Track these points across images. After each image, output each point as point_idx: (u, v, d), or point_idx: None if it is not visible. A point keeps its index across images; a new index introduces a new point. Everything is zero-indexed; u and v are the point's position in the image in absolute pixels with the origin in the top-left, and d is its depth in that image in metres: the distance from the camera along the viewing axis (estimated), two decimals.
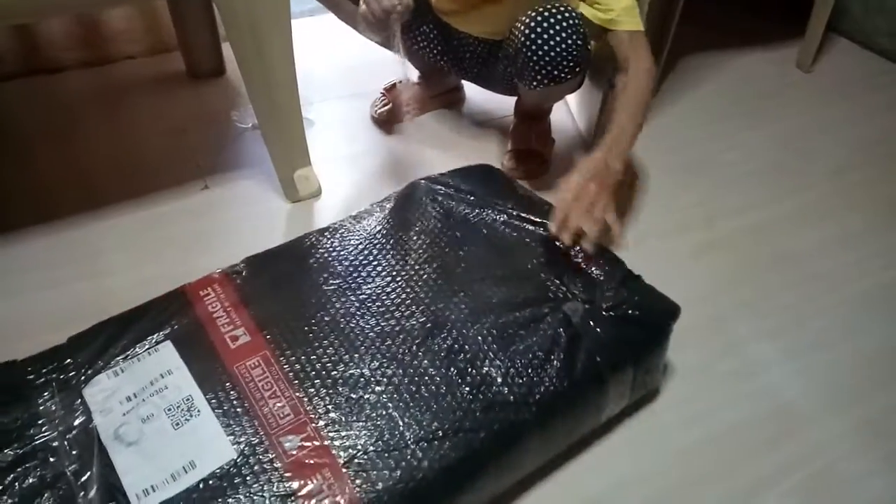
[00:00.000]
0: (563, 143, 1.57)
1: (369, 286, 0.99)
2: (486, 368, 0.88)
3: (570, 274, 1.01)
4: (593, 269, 1.02)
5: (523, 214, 1.11)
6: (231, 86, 1.73)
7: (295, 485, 0.75)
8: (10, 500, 0.73)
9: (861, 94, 1.86)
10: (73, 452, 0.78)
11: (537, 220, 1.10)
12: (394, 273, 1.01)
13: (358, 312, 0.95)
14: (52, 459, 0.77)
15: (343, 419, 0.81)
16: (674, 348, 1.01)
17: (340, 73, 1.82)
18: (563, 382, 0.88)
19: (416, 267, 1.02)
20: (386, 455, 0.78)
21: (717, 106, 1.78)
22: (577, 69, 1.22)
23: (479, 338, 0.91)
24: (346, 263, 1.03)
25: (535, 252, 1.05)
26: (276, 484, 0.75)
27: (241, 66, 1.22)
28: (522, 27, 1.21)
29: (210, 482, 0.75)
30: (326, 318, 0.94)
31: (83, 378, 0.86)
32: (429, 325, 0.93)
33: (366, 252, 1.05)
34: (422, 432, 0.80)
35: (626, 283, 1.01)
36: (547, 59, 1.20)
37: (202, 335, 0.91)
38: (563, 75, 1.22)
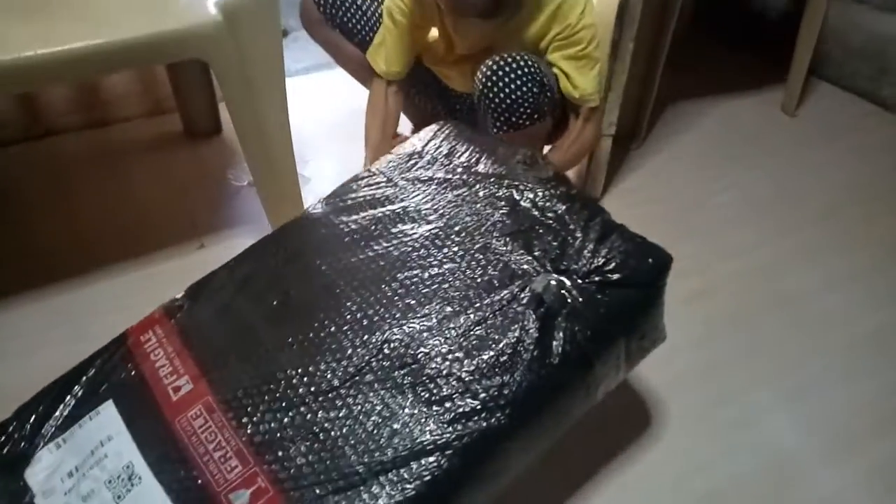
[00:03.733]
0: None
1: (320, 299, 0.88)
2: (448, 377, 0.77)
3: (542, 240, 0.89)
4: (570, 226, 0.89)
5: (493, 173, 1.00)
6: (227, 144, 1.76)
7: None
8: None
9: (846, 136, 1.89)
10: None
11: (509, 178, 0.98)
12: (342, 282, 0.90)
13: (305, 332, 0.84)
14: None
15: (297, 463, 0.73)
16: (672, 393, 1.00)
17: (335, 129, 1.85)
18: (539, 373, 0.77)
19: (366, 270, 0.91)
20: (349, 494, 0.70)
21: (706, 151, 1.80)
22: (536, 115, 1.25)
23: (439, 342, 0.80)
24: (292, 278, 0.92)
25: (500, 224, 0.92)
26: None
27: (236, 127, 1.24)
28: (480, 76, 1.24)
29: None
30: (271, 346, 0.84)
31: (25, 456, 0.80)
32: (384, 344, 0.81)
33: (311, 260, 0.94)
34: (390, 462, 0.71)
35: (606, 238, 0.88)
36: (503, 106, 1.23)
37: (143, 389, 0.84)
38: (521, 121, 1.24)
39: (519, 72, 1.20)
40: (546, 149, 1.45)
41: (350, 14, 1.44)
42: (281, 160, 1.32)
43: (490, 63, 1.22)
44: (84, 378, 0.87)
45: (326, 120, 1.89)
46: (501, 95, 1.21)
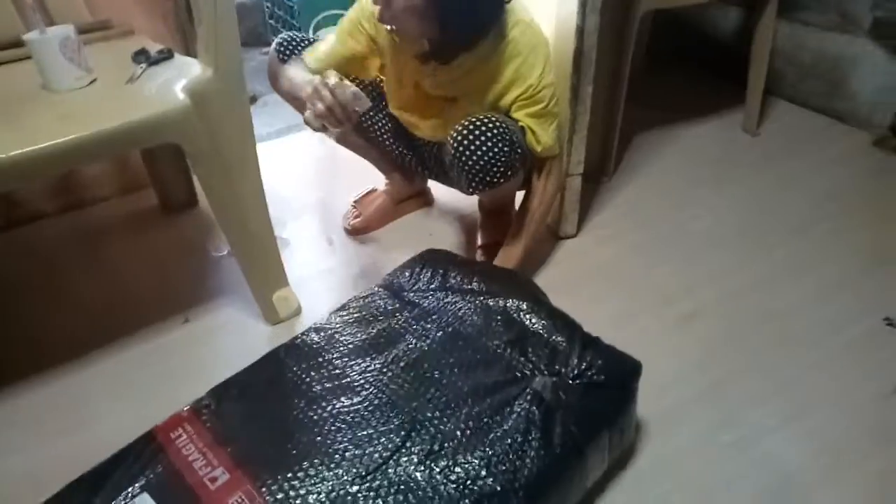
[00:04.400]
0: None
1: (342, 399, 0.99)
2: (468, 462, 0.88)
3: (534, 347, 1.04)
4: (555, 338, 1.05)
5: (484, 290, 1.15)
6: (204, 216, 1.77)
7: None
8: None
9: (808, 151, 1.95)
10: None
11: (498, 293, 1.13)
12: (364, 380, 1.01)
13: (334, 427, 0.94)
14: None
15: None
16: (671, 418, 1.01)
17: (310, 187, 1.88)
18: (545, 460, 0.89)
19: (385, 370, 1.03)
20: None
21: (676, 177, 1.85)
22: (509, 173, 1.27)
23: (458, 432, 0.92)
24: (316, 379, 1.03)
25: (498, 332, 1.07)
26: None
27: (211, 202, 1.25)
28: (451, 140, 1.26)
29: None
30: (303, 440, 0.93)
31: None
32: (406, 427, 0.93)
33: (333, 363, 1.05)
34: None
35: (587, 346, 1.04)
36: (477, 167, 1.25)
37: (179, 481, 0.89)
38: (495, 180, 1.27)
39: (489, 133, 1.23)
40: (519, 195, 1.48)
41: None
42: (258, 228, 1.33)
43: (460, 127, 1.25)
44: (116, 473, 0.91)
45: (301, 180, 1.92)
46: (475, 157, 1.24)
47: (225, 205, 1.26)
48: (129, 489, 0.88)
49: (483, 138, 1.23)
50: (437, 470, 0.87)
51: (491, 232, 1.56)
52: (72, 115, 1.09)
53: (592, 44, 1.33)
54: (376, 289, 1.21)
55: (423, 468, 0.88)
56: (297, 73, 1.35)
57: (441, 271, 1.22)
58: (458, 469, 0.87)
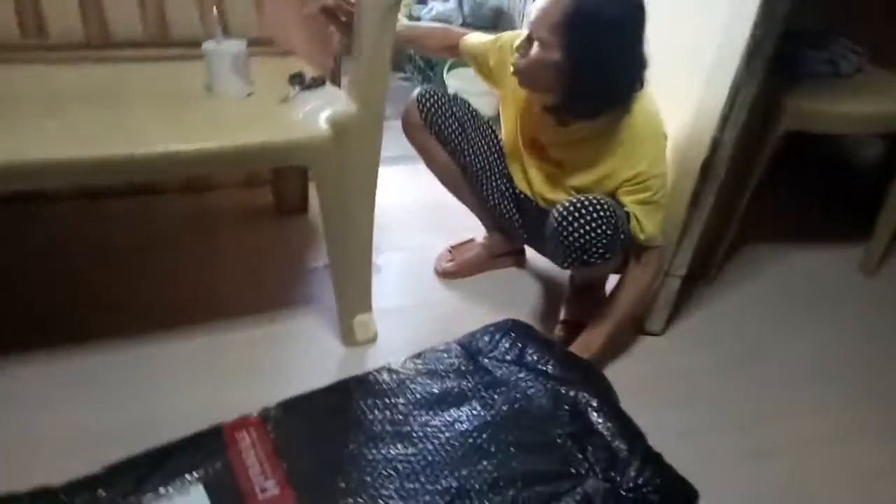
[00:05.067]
0: None
1: (398, 445, 1.01)
2: None
3: (595, 447, 1.03)
4: (617, 443, 1.04)
5: (558, 375, 1.15)
6: (311, 225, 1.86)
7: None
8: None
9: None
10: None
11: (571, 383, 1.13)
12: (423, 433, 1.03)
13: (384, 472, 0.97)
14: None
15: None
16: None
17: (412, 222, 1.94)
18: None
19: (444, 428, 1.04)
20: None
21: (776, 301, 1.78)
22: (608, 255, 1.27)
23: None
24: (378, 419, 1.06)
25: (562, 421, 1.07)
26: None
27: (323, 216, 1.32)
28: (556, 212, 1.28)
29: None
30: (354, 476, 0.96)
31: None
32: (452, 492, 0.94)
33: (398, 408, 1.08)
34: None
35: (647, 461, 1.02)
36: (577, 244, 1.26)
37: (233, 482, 0.94)
38: (592, 260, 1.27)
39: (594, 214, 1.24)
40: (613, 279, 1.48)
41: (449, 125, 1.54)
42: (359, 252, 1.39)
43: (567, 203, 1.27)
44: (179, 457, 0.97)
45: (406, 212, 1.99)
46: (576, 235, 1.25)
47: (335, 222, 1.32)
48: (188, 476, 0.94)
49: (588, 217, 1.24)
50: None
51: (576, 310, 1.55)
52: (225, 124, 1.18)
53: (725, 157, 1.32)
54: (454, 345, 1.23)
55: None
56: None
57: (520, 345, 1.22)
58: None
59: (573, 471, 1.00)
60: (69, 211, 1.78)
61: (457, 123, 1.54)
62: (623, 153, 1.30)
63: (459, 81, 2.40)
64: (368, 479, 0.96)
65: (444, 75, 2.47)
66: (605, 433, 1.06)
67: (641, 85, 1.26)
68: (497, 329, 1.27)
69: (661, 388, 1.44)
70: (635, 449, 1.04)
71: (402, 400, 1.10)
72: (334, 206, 1.28)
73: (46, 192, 1.76)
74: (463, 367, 1.17)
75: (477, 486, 0.95)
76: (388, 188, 2.01)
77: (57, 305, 1.47)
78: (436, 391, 1.12)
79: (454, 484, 0.95)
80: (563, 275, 1.68)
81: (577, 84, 1.23)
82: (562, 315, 1.57)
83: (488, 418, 1.07)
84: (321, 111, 1.21)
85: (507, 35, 1.45)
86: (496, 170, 1.56)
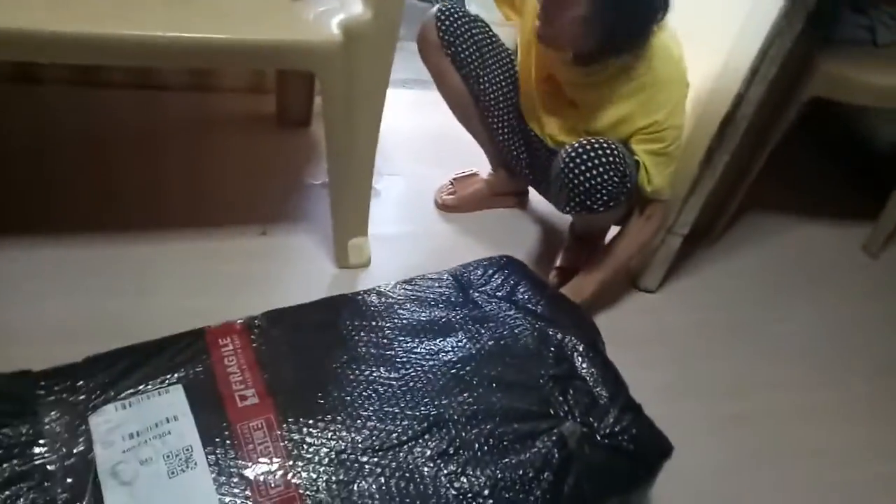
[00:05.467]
0: None
1: (380, 368, 1.00)
2: (475, 476, 0.89)
3: (576, 391, 1.03)
4: (598, 389, 1.03)
5: (547, 316, 1.13)
6: (312, 140, 1.81)
7: None
8: None
9: None
10: (68, 481, 0.79)
11: (559, 325, 1.11)
12: (406, 359, 1.02)
13: (364, 393, 0.96)
14: (46, 484, 0.79)
15: (330, 502, 0.83)
16: None
17: (416, 150, 1.89)
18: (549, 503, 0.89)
19: (429, 357, 1.03)
20: None
21: (774, 272, 1.76)
22: (612, 203, 1.24)
23: (476, 444, 0.92)
24: (363, 340, 1.05)
25: (546, 363, 1.06)
26: None
27: (327, 134, 1.27)
28: (563, 154, 1.24)
29: None
30: (334, 394, 0.95)
31: (91, 405, 0.88)
32: (430, 419, 0.94)
33: (383, 332, 1.07)
34: None
35: (627, 409, 1.02)
36: (581, 188, 1.23)
37: (213, 387, 0.93)
38: (595, 206, 1.24)
39: (603, 158, 1.20)
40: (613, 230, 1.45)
41: (467, 48, 1.47)
42: (360, 172, 1.35)
43: (576, 145, 1.23)
44: (160, 356, 0.95)
45: (411, 138, 1.93)
46: (581, 178, 1.21)
47: (338, 138, 1.27)
48: (168, 376, 0.93)
49: (596, 161, 1.21)
50: (445, 472, 0.88)
51: (573, 257, 1.53)
52: (232, 14, 1.12)
53: (746, 114, 1.27)
54: (446, 275, 1.21)
55: (431, 465, 0.89)
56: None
57: (512, 282, 1.21)
58: (463, 479, 0.88)
59: (552, 412, 0.99)
60: (70, 96, 1.71)
61: (475, 47, 1.48)
62: (641, 99, 1.25)
63: (480, 8, 2.30)
64: (348, 398, 0.95)
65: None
66: (588, 378, 1.05)
67: (664, 14, 1.19)
68: (491, 264, 1.25)
69: (647, 346, 1.43)
70: (616, 397, 1.03)
71: (388, 324, 1.08)
72: (338, 119, 1.23)
73: (46, 76, 1.70)
74: (452, 298, 1.16)
75: (455, 416, 0.94)
76: (394, 111, 1.94)
77: (47, 192, 1.43)
78: (423, 319, 1.10)
79: (433, 412, 0.95)
80: (564, 221, 1.65)
81: (604, 29, 1.16)
82: (558, 261, 1.55)
83: (473, 351, 1.05)
84: (334, 15, 1.14)
85: None
86: (509, 103, 1.51)
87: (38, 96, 1.68)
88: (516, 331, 1.11)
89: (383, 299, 1.13)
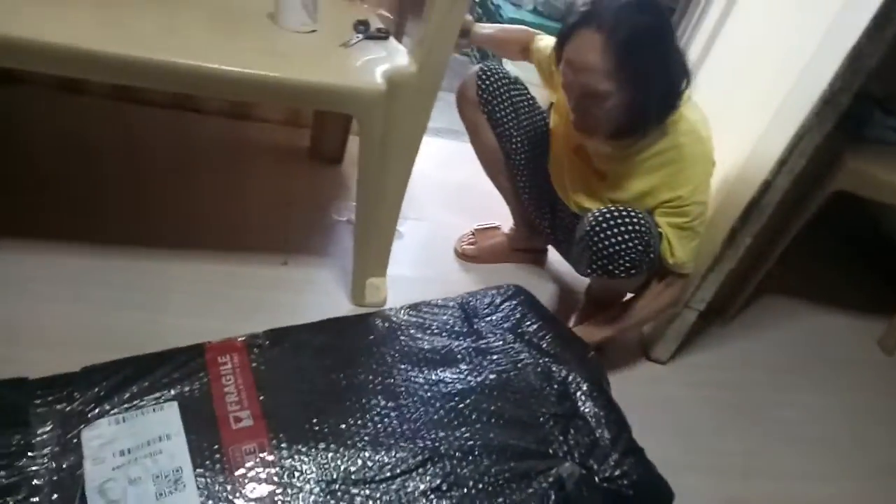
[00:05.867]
0: None
1: (378, 397, 0.99)
2: None
3: (577, 431, 1.01)
4: (600, 431, 1.02)
5: (552, 353, 1.12)
6: (342, 177, 1.85)
7: None
8: None
9: None
10: (54, 497, 0.79)
11: (564, 362, 1.10)
12: (405, 388, 1.02)
13: (360, 421, 0.95)
14: (33, 499, 0.78)
15: None
16: None
17: (442, 197, 1.92)
18: None
19: (428, 387, 1.02)
20: None
21: (787, 357, 1.75)
22: (633, 271, 1.25)
23: (470, 481, 0.91)
24: (363, 365, 1.04)
25: (549, 400, 1.05)
26: None
27: (360, 170, 1.30)
28: (590, 217, 1.26)
29: None
30: (330, 421, 0.94)
31: (86, 417, 0.88)
32: (427, 453, 0.93)
33: (384, 358, 1.06)
34: None
35: (629, 453, 1.00)
36: (604, 253, 1.23)
37: (208, 406, 0.93)
38: (616, 272, 1.25)
39: (629, 226, 1.22)
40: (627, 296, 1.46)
41: (503, 108, 1.51)
42: (387, 215, 1.37)
43: (604, 210, 1.25)
44: (158, 370, 0.95)
45: (438, 185, 1.96)
46: (606, 243, 1.23)
47: (370, 179, 1.30)
48: (164, 392, 0.93)
49: (621, 228, 1.22)
50: None
51: (587, 320, 1.53)
52: (280, 54, 1.16)
53: (772, 202, 1.29)
54: (452, 303, 1.21)
55: (424, 501, 0.88)
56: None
57: (519, 313, 1.20)
58: None
59: (551, 451, 0.97)
60: (110, 110, 1.78)
61: (511, 108, 1.52)
62: (667, 174, 1.27)
63: (518, 68, 2.36)
64: (343, 426, 0.94)
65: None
66: (591, 419, 1.03)
67: (688, 83, 1.21)
68: (499, 293, 1.24)
69: (650, 414, 1.41)
70: (618, 440, 1.01)
71: (389, 350, 1.07)
72: (373, 162, 1.26)
73: (90, 88, 1.75)
74: (457, 328, 1.15)
75: (451, 451, 0.93)
76: (425, 157, 1.98)
77: (75, 198, 1.47)
78: (425, 347, 1.09)
79: (429, 445, 0.94)
80: (580, 283, 1.66)
81: (635, 111, 1.18)
82: (571, 322, 1.55)
83: (474, 384, 1.04)
84: (380, 64, 1.19)
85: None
86: (539, 165, 1.54)
87: (81, 107, 1.74)
88: (519, 365, 1.09)
89: (387, 323, 1.13)
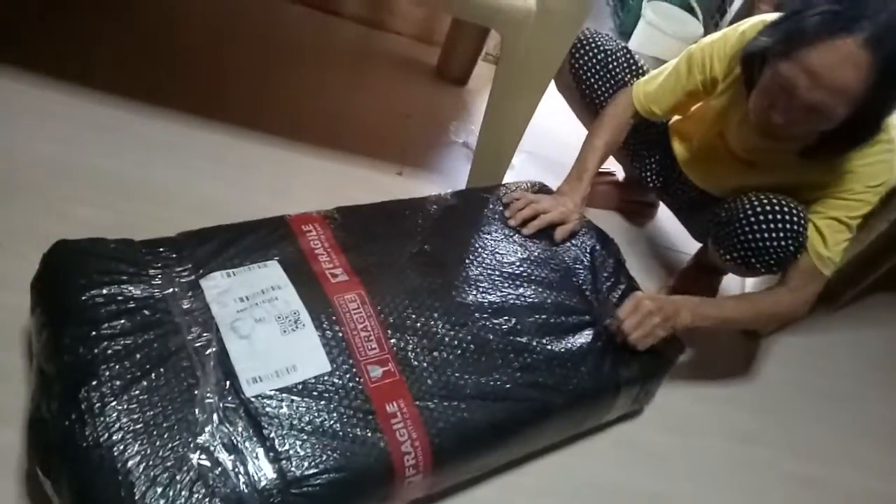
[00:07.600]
0: None
1: (446, 260, 1.10)
2: (535, 354, 1.03)
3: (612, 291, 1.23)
4: (616, 291, 1.22)
5: (605, 277, 1.24)
6: (464, 100, 1.85)
7: (375, 405, 0.87)
8: (135, 362, 0.81)
9: None
10: (194, 329, 0.86)
11: (616, 285, 1.24)
12: (476, 253, 1.14)
13: (440, 279, 1.06)
14: (174, 332, 0.85)
15: (418, 365, 0.94)
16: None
17: (562, 137, 1.88)
18: (590, 382, 1.05)
19: (498, 254, 1.16)
20: (447, 403, 0.92)
21: (890, 357, 1.67)
22: (775, 268, 1.18)
23: (534, 328, 1.06)
24: (427, 235, 1.13)
25: (585, 267, 1.24)
26: (360, 401, 0.87)
27: (492, 91, 1.30)
28: (747, 202, 1.17)
29: (307, 385, 0.86)
30: (410, 277, 1.04)
31: (200, 271, 0.93)
32: (497, 305, 1.06)
33: (459, 228, 1.19)
34: (478, 391, 0.95)
35: None
36: (752, 246, 1.15)
37: (305, 265, 0.99)
38: (757, 265, 1.17)
39: (787, 224, 1.12)
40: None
41: (601, 84, 1.44)
42: (508, 141, 1.39)
43: (764, 200, 1.15)
44: (249, 236, 1.01)
45: (559, 123, 1.92)
46: (758, 236, 1.14)
47: (499, 102, 1.31)
48: (262, 252, 0.99)
49: (779, 225, 1.12)
50: (511, 349, 1.02)
51: (688, 283, 1.48)
52: None
53: None
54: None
55: (500, 341, 1.02)
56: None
57: (598, 243, 1.31)
58: (526, 354, 1.02)
59: (592, 308, 1.15)
60: (256, 2, 1.83)
61: (611, 83, 1.42)
62: (836, 175, 1.13)
63: (657, 16, 2.26)
64: (423, 282, 1.04)
65: (644, 2, 2.32)
66: (609, 280, 1.23)
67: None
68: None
69: (738, 388, 1.40)
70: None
71: (449, 225, 1.18)
72: (509, 83, 1.26)
73: None
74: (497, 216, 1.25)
75: (518, 305, 1.08)
76: (552, 94, 1.97)
77: (207, 79, 1.54)
78: (482, 228, 1.20)
79: (497, 300, 1.07)
80: (686, 244, 1.62)
81: (850, 140, 1.06)
82: (672, 282, 1.52)
83: (523, 255, 1.18)
84: None
85: (716, 39, 1.23)
86: (649, 140, 1.47)
87: None
88: (578, 270, 1.23)
89: (442, 205, 1.22)
